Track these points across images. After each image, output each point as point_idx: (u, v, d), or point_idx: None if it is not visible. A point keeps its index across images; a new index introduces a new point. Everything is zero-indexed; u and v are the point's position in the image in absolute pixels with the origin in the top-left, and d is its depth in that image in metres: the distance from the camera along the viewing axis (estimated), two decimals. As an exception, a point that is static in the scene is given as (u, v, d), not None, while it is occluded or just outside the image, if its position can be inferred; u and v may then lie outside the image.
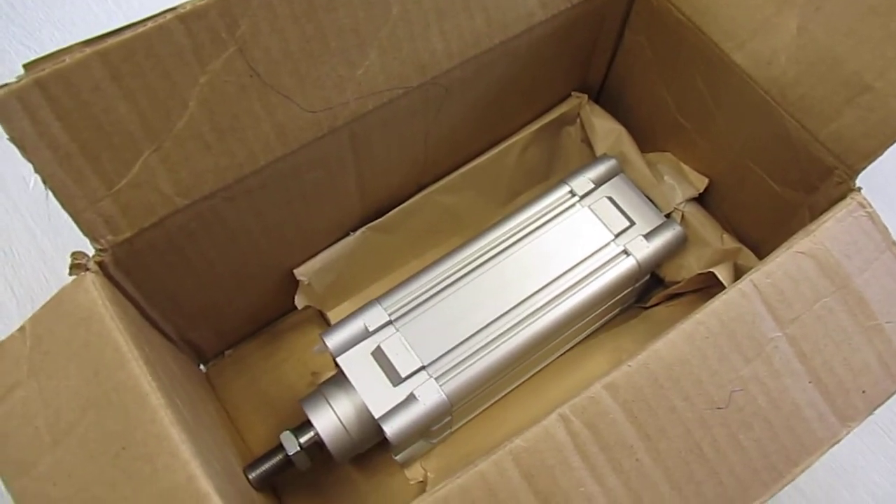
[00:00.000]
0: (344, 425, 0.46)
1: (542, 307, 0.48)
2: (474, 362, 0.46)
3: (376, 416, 0.45)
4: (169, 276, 0.43)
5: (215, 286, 0.48)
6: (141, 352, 0.35)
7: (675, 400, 0.35)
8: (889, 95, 0.39)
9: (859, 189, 0.41)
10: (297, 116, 0.40)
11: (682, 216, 0.54)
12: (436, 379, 0.46)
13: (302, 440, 0.46)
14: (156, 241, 0.40)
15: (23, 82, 0.33)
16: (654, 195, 0.53)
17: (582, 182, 0.53)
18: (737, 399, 0.36)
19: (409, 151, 0.50)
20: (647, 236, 0.51)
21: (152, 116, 0.36)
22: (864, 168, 0.41)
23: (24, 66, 0.33)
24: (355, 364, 0.46)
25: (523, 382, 0.54)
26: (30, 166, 0.35)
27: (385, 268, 0.57)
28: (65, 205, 0.36)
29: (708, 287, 0.53)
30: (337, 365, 0.47)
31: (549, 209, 0.52)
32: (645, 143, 0.56)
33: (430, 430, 0.48)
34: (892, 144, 0.40)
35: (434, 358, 0.46)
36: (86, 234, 0.37)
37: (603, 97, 0.59)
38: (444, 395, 0.45)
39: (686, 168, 0.54)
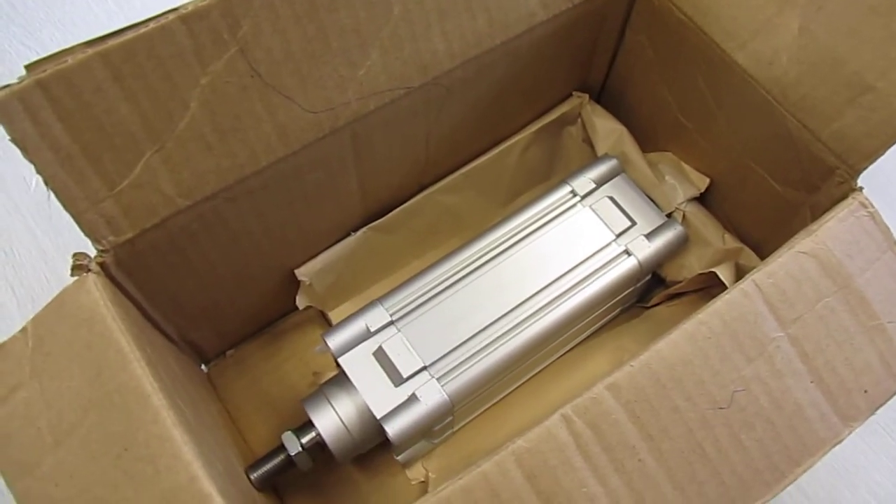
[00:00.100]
0: (346, 425, 0.46)
1: (543, 307, 0.48)
2: (476, 362, 0.46)
3: (378, 417, 0.45)
4: (170, 277, 0.43)
5: (217, 287, 0.48)
6: (143, 353, 0.35)
7: (678, 400, 0.35)
8: (891, 95, 0.39)
9: (861, 189, 0.41)
10: (298, 117, 0.40)
11: (684, 216, 0.54)
12: (437, 379, 0.46)
13: (303, 440, 0.46)
14: (157, 241, 0.40)
15: (24, 83, 0.33)
16: (655, 195, 0.53)
17: (583, 182, 0.53)
18: (739, 399, 0.36)
19: (411, 151, 0.50)
20: (649, 236, 0.51)
21: (154, 117, 0.36)
22: (865, 168, 0.41)
23: (26, 66, 0.33)
24: (357, 364, 0.46)
25: (525, 382, 0.54)
26: (31, 167, 0.35)
27: (386, 268, 0.57)
28: (66, 205, 0.36)
29: (709, 287, 0.53)
30: (338, 365, 0.47)
31: (550, 209, 0.52)
32: (646, 142, 0.56)
33: (432, 430, 0.48)
34: (893, 144, 0.40)
35: (436, 358, 0.46)
36: (87, 234, 0.37)
37: (604, 97, 0.59)
38: (445, 396, 0.45)
39: (687, 168, 0.54)
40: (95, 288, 0.35)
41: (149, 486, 0.32)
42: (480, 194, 0.57)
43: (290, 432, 0.46)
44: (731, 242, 0.53)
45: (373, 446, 0.49)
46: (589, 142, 0.58)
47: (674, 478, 0.35)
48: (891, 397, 0.38)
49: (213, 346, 0.54)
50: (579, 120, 0.58)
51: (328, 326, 0.53)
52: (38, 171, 0.35)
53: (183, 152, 0.38)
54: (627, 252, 0.50)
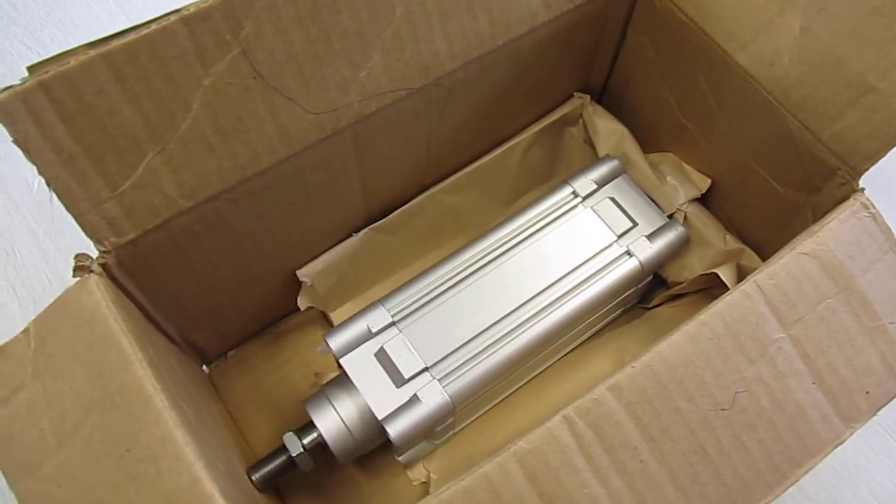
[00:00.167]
0: (347, 426, 0.46)
1: (544, 308, 0.48)
2: (477, 363, 0.46)
3: (379, 418, 0.45)
4: (172, 278, 0.43)
5: (218, 287, 0.48)
6: (145, 353, 0.35)
7: (679, 401, 0.35)
8: (892, 96, 0.39)
9: (862, 190, 0.41)
10: (300, 118, 0.40)
11: (685, 217, 0.54)
12: (439, 380, 0.46)
13: (305, 441, 0.46)
14: (159, 242, 0.40)
15: (27, 84, 0.33)
16: (656, 196, 0.53)
17: (584, 183, 0.53)
18: (741, 400, 0.36)
19: (412, 152, 0.50)
20: (650, 237, 0.51)
21: (156, 119, 0.36)
22: (867, 169, 0.41)
23: (28, 68, 0.33)
24: (358, 365, 0.46)
25: (526, 383, 0.54)
26: (33, 168, 0.35)
27: (388, 269, 0.57)
28: (68, 207, 0.36)
29: (710, 288, 0.53)
30: (340, 366, 0.47)
31: (551, 210, 0.52)
32: (647, 143, 0.56)
33: (434, 431, 0.48)
34: (895, 145, 0.40)
35: (437, 359, 0.46)
36: (89, 235, 0.37)
37: (605, 98, 0.59)
38: (447, 397, 0.45)
39: (689, 169, 0.54)
40: (97, 289, 0.35)
41: (151, 488, 0.32)
42: (482, 195, 0.57)
43: (291, 433, 0.46)
44: (733, 243, 0.53)
45: (374, 447, 0.49)
46: (590, 142, 0.58)
47: (675, 479, 0.35)
48: (892, 398, 0.38)
49: (214, 347, 0.54)
50: (581, 121, 0.58)
51: (330, 327, 0.53)
52: (41, 173, 0.35)
53: (185, 153, 0.38)
54: (629, 253, 0.50)
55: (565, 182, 0.53)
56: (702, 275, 0.52)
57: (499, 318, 0.48)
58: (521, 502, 0.33)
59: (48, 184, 0.35)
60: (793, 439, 0.36)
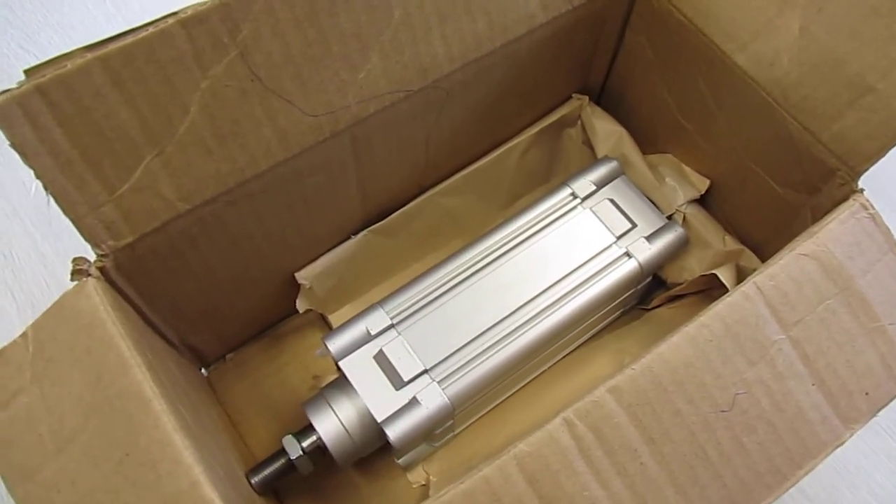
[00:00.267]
0: (346, 429, 0.46)
1: (544, 310, 0.48)
2: (477, 365, 0.46)
3: (379, 420, 0.44)
4: (170, 281, 0.43)
5: (217, 290, 0.48)
6: (143, 357, 0.35)
7: (679, 403, 0.35)
8: (892, 97, 0.39)
9: (862, 190, 0.41)
10: (298, 120, 0.40)
11: (684, 218, 0.54)
12: (438, 382, 0.46)
13: (304, 444, 0.46)
14: (157, 246, 0.40)
15: (24, 88, 0.33)
16: (655, 197, 0.53)
17: (583, 184, 0.53)
18: (741, 402, 0.36)
19: (411, 155, 0.50)
20: (649, 238, 0.51)
21: (154, 122, 0.36)
22: (866, 169, 0.41)
23: (25, 71, 0.33)
24: (357, 368, 0.46)
25: (526, 385, 0.54)
26: (31, 172, 0.35)
27: (386, 271, 0.57)
28: (66, 210, 0.36)
29: (710, 289, 0.53)
30: (339, 368, 0.47)
31: (550, 211, 0.52)
32: (646, 144, 0.56)
33: (433, 433, 0.48)
34: (894, 146, 0.40)
35: (436, 361, 0.46)
36: (87, 239, 0.37)
37: (604, 99, 0.59)
38: (446, 399, 0.45)
39: (687, 169, 0.54)
40: (95, 293, 0.35)
41: (150, 492, 0.32)
42: (480, 197, 0.57)
43: (290, 436, 0.46)
44: (732, 244, 0.53)
45: (374, 450, 0.49)
46: (589, 144, 0.57)
47: (676, 481, 0.35)
48: (892, 399, 0.38)
49: (213, 350, 0.54)
50: (579, 122, 0.58)
51: (328, 330, 0.53)
52: (38, 176, 0.35)
53: (183, 156, 0.38)
54: (628, 254, 0.50)
55: (564, 183, 0.53)
56: (701, 276, 0.52)
57: (498, 319, 0.48)
58: (521, 505, 0.33)
59: (45, 187, 0.35)
60: (793, 441, 0.36)
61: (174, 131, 0.37)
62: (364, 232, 0.53)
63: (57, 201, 0.36)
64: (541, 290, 0.49)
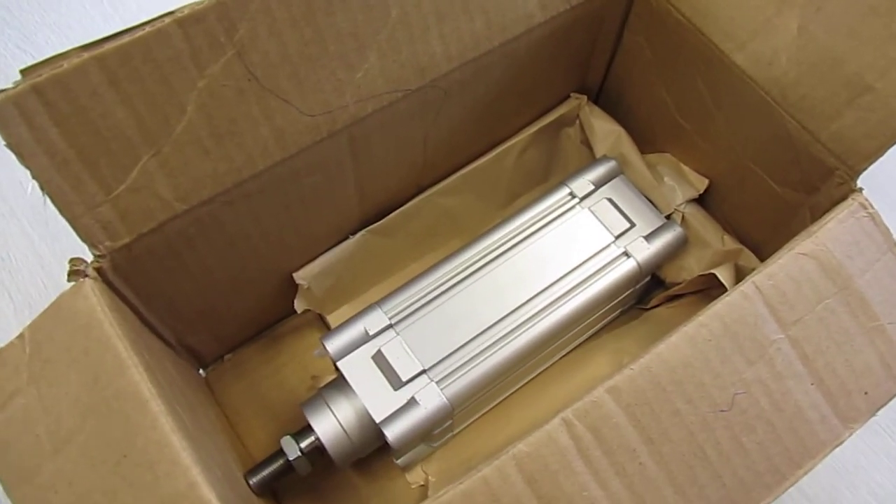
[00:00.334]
0: (345, 430, 0.45)
1: (542, 310, 0.48)
2: (475, 365, 0.46)
3: (377, 421, 0.44)
4: (168, 282, 0.43)
5: (214, 291, 0.48)
6: (140, 358, 0.34)
7: (678, 403, 0.35)
8: (890, 96, 0.39)
9: (861, 190, 0.41)
10: (295, 120, 0.40)
11: (683, 217, 0.54)
12: (437, 382, 0.46)
13: (302, 445, 0.46)
14: (154, 246, 0.40)
15: (20, 88, 0.33)
16: (654, 196, 0.53)
17: (582, 184, 0.53)
18: (739, 401, 0.36)
19: (408, 154, 0.50)
20: (648, 238, 0.50)
21: (150, 121, 0.36)
22: (865, 169, 0.41)
23: (21, 71, 0.33)
24: (356, 368, 0.46)
25: (524, 385, 0.53)
26: (27, 172, 0.35)
27: (384, 271, 0.57)
28: (62, 211, 0.36)
29: (709, 288, 0.53)
30: (337, 369, 0.46)
31: (548, 211, 0.52)
32: (645, 144, 0.56)
33: (432, 433, 0.48)
34: (893, 145, 0.40)
35: (435, 361, 0.46)
36: (84, 240, 0.37)
37: (602, 98, 0.59)
38: (445, 399, 0.45)
39: (686, 169, 0.54)
40: (92, 293, 0.35)
41: (148, 493, 0.32)
42: (479, 197, 0.57)
43: (288, 437, 0.46)
44: (731, 244, 0.53)
45: (372, 450, 0.49)
46: (587, 143, 0.57)
47: (675, 481, 0.35)
48: (891, 399, 0.38)
49: (211, 351, 0.54)
50: (577, 121, 0.58)
51: (327, 330, 0.53)
52: (34, 177, 0.35)
53: (180, 156, 0.37)
54: (626, 254, 0.50)
55: (562, 183, 0.53)
56: (700, 275, 0.52)
57: (497, 319, 0.48)
58: (519, 506, 0.33)
59: (42, 188, 0.35)
60: (792, 440, 0.36)
61: (171, 131, 0.37)
62: (362, 232, 0.53)
63: (53, 201, 0.36)
64: (539, 289, 0.49)
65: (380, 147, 0.46)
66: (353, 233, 0.53)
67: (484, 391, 0.48)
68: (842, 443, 0.37)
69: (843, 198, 0.40)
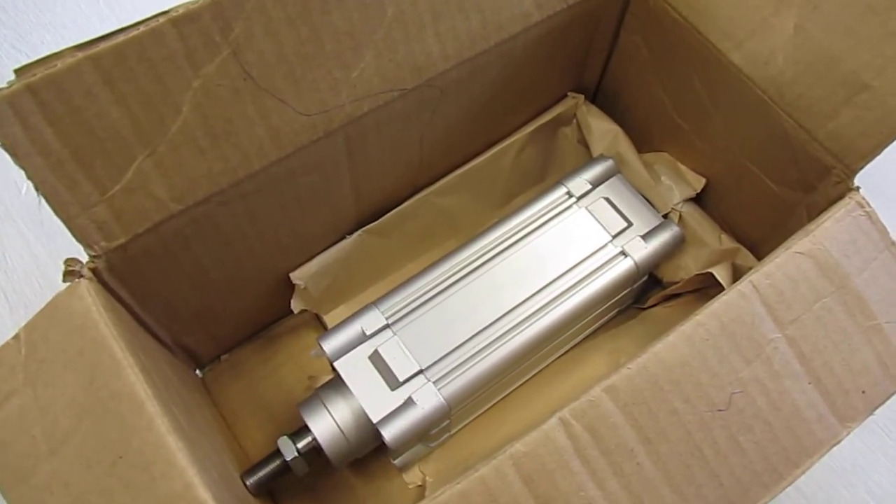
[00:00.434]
0: (342, 430, 0.45)
1: (539, 309, 0.48)
2: (472, 365, 0.46)
3: (374, 421, 0.44)
4: (163, 282, 0.43)
5: (210, 291, 0.47)
6: (136, 359, 0.34)
7: (676, 402, 0.35)
8: (887, 94, 0.39)
9: (858, 188, 0.41)
10: (291, 120, 0.40)
11: (680, 216, 0.54)
12: (434, 382, 0.45)
13: (299, 445, 0.46)
14: (150, 246, 0.39)
15: (14, 88, 0.33)
16: (651, 196, 0.53)
17: (579, 183, 0.52)
18: (737, 401, 0.36)
19: (405, 154, 0.50)
20: (645, 237, 0.50)
21: (145, 121, 0.36)
22: (862, 167, 0.41)
23: (16, 71, 0.33)
24: (353, 368, 0.46)
25: (522, 385, 0.53)
26: (22, 172, 0.35)
27: (381, 271, 0.56)
28: (57, 211, 0.36)
29: (706, 287, 0.53)
30: (334, 369, 0.46)
31: (545, 211, 0.52)
32: (642, 143, 0.55)
33: (429, 434, 0.47)
34: (890, 143, 0.40)
35: (432, 361, 0.46)
36: (79, 240, 0.37)
37: (599, 98, 0.59)
38: (442, 399, 0.45)
39: (683, 168, 0.54)
40: (88, 294, 0.35)
41: (144, 494, 0.32)
42: (475, 196, 0.57)
43: (285, 437, 0.46)
44: (728, 243, 0.53)
45: (369, 451, 0.48)
46: (584, 143, 0.57)
47: (672, 481, 0.34)
48: (888, 398, 0.38)
49: (207, 351, 0.54)
50: (574, 121, 0.58)
51: (323, 330, 0.52)
52: (29, 177, 0.35)
53: (175, 156, 0.37)
54: (624, 253, 0.50)
55: (559, 182, 0.53)
56: (697, 274, 0.52)
57: (494, 319, 0.48)
58: (517, 506, 0.33)
59: (36, 188, 0.35)
60: (789, 440, 0.36)
61: (166, 131, 0.37)
62: (359, 232, 0.52)
63: (48, 202, 0.36)
64: (536, 289, 0.49)
65: (376, 147, 0.46)
66: (350, 233, 0.52)
67: (481, 391, 0.48)
68: (839, 442, 0.37)
69: (840, 196, 0.40)
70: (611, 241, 0.50)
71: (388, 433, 0.44)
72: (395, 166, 0.50)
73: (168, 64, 0.35)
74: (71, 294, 0.35)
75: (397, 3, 0.40)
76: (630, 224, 0.51)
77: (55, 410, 0.33)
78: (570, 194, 0.52)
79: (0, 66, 0.71)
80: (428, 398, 0.45)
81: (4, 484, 0.33)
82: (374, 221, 0.53)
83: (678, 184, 0.54)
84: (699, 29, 0.45)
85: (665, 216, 0.53)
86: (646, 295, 0.56)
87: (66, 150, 0.35)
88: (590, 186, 0.52)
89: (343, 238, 0.52)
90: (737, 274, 0.51)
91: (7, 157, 0.34)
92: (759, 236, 0.51)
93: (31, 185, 0.35)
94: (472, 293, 0.49)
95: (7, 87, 0.33)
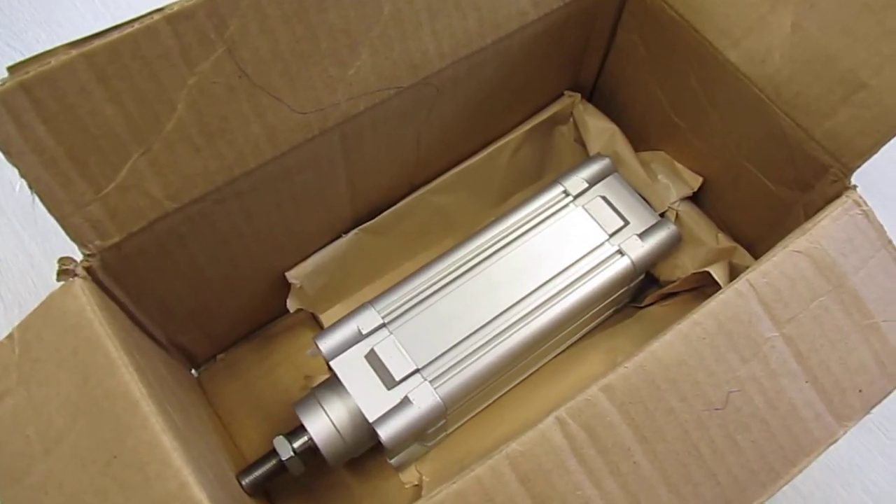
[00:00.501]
0: (338, 429, 0.45)
1: (536, 308, 0.48)
2: (469, 364, 0.46)
3: (370, 420, 0.44)
4: (158, 281, 0.43)
5: (206, 290, 0.47)
6: (131, 358, 0.34)
7: (673, 401, 0.35)
8: (884, 93, 0.39)
9: (855, 187, 0.41)
10: (287, 118, 0.40)
11: (677, 215, 0.54)
12: (430, 382, 0.45)
13: (295, 445, 0.45)
14: (145, 245, 0.39)
15: (7, 85, 0.33)
16: (648, 194, 0.53)
17: (575, 182, 0.52)
18: (734, 400, 0.36)
19: (401, 152, 0.50)
20: (642, 236, 0.50)
21: (140, 119, 0.36)
22: (859, 166, 0.41)
23: (9, 68, 0.33)
24: (349, 367, 0.46)
25: (518, 384, 0.53)
26: (15, 170, 0.34)
27: (377, 270, 0.56)
28: (51, 210, 0.36)
29: (703, 286, 0.53)
30: (330, 368, 0.46)
31: (542, 209, 0.52)
32: (638, 142, 0.55)
33: (425, 433, 0.47)
34: (887, 142, 0.40)
35: (428, 360, 0.46)
36: (73, 239, 0.37)
37: (596, 96, 0.59)
38: (438, 398, 0.45)
39: (680, 167, 0.54)
40: (82, 293, 0.35)
41: (139, 494, 0.32)
42: (472, 195, 0.57)
43: (281, 437, 0.46)
44: (725, 242, 0.53)
45: (365, 450, 0.48)
46: (581, 141, 0.57)
47: (669, 480, 0.34)
48: (885, 396, 0.38)
49: (203, 350, 0.54)
50: (571, 119, 0.58)
51: (319, 329, 0.52)
52: (22, 175, 0.35)
53: (170, 154, 0.37)
54: (621, 252, 0.50)
55: (556, 181, 0.53)
56: (694, 273, 0.52)
57: (490, 318, 0.48)
58: (513, 505, 0.33)
59: (30, 186, 0.35)
60: (786, 438, 0.36)
61: (161, 129, 0.36)
62: (355, 230, 0.52)
63: (42, 200, 0.35)
64: (533, 288, 0.49)
65: (372, 145, 0.46)
66: (346, 231, 0.52)
67: (478, 390, 0.47)
68: (836, 441, 0.37)
69: (837, 195, 0.40)
70: (607, 240, 0.50)
71: (385, 433, 0.44)
72: (392, 164, 0.50)
73: (163, 61, 0.35)
74: (65, 293, 0.35)
75: (394, 1, 0.40)
76: (627, 223, 0.51)
77: (49, 410, 0.33)
78: (566, 193, 0.52)
79: (-6, 65, 0.71)
80: (424, 397, 0.45)
81: (-1, 484, 0.32)
82: (370, 220, 0.53)
83: (675, 182, 0.54)
84: (696, 27, 0.45)
85: (662, 215, 0.53)
86: (643, 294, 0.56)
87: (59, 147, 0.35)
88: (586, 185, 0.52)
89: (339, 237, 0.52)
90: (734, 273, 0.51)
91: (0, 155, 0.34)
92: (755, 235, 0.51)
93: (24, 183, 0.35)
94: (469, 292, 0.48)
95: (0, 85, 0.33)
